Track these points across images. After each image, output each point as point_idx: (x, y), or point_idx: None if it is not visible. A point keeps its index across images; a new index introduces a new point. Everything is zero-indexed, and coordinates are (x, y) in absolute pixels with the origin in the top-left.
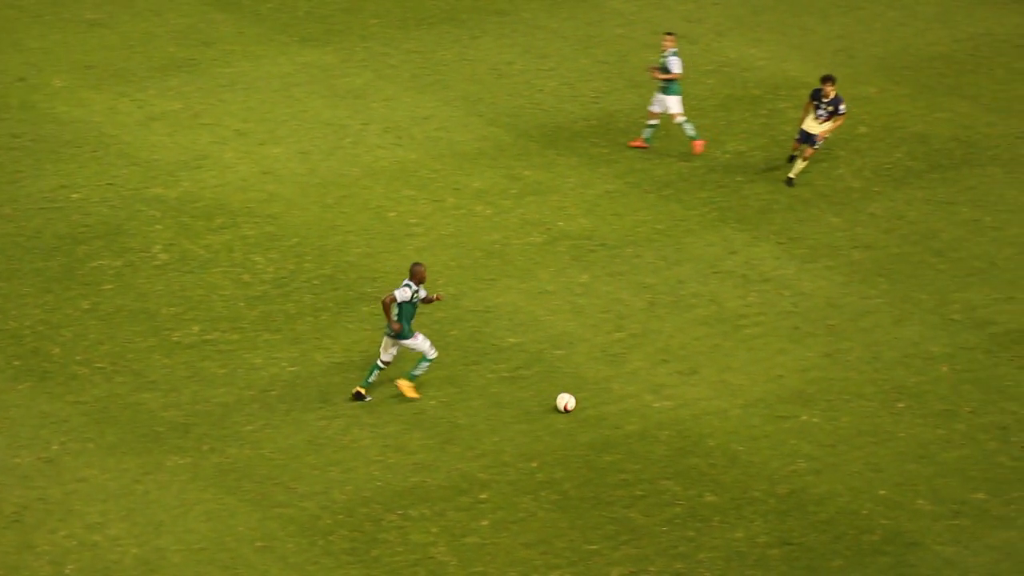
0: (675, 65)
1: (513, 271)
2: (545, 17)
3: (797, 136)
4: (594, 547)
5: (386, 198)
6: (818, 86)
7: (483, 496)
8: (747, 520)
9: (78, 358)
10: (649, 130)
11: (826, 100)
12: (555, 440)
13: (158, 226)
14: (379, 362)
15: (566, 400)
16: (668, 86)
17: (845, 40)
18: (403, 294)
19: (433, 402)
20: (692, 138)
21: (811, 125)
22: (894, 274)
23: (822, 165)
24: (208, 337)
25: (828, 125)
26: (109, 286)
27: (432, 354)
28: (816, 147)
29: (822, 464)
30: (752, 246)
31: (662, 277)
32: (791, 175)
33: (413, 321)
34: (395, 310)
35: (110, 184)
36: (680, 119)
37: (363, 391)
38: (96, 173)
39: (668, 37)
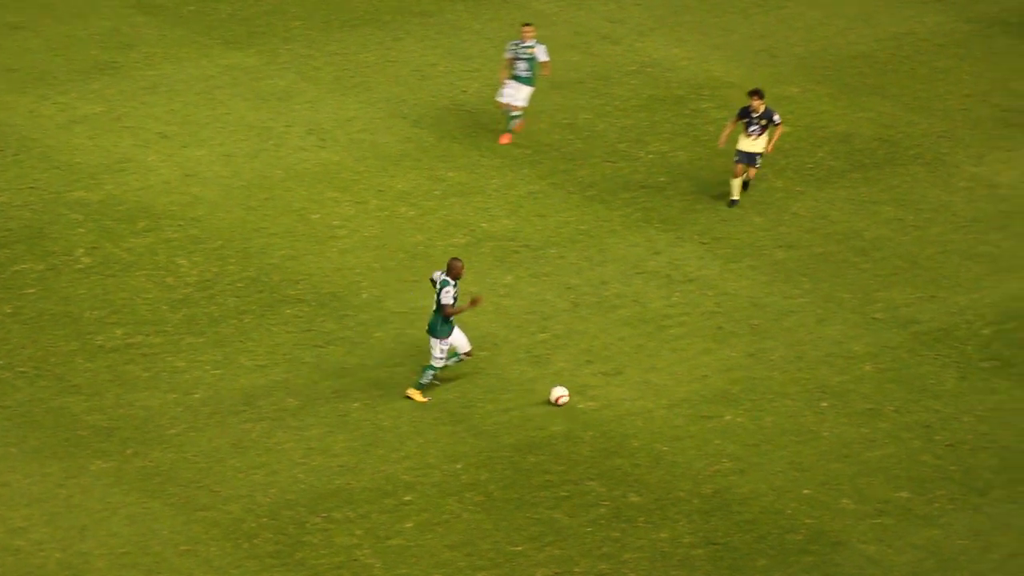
0: (543, 53)
1: None
2: (468, 19)
3: (736, 158)
4: (519, 548)
5: (310, 200)
6: (746, 103)
7: (407, 498)
8: (672, 520)
9: (0, 362)
10: (514, 120)
11: (756, 115)
12: (479, 441)
13: (81, 229)
14: (460, 355)
15: (559, 395)
16: (528, 77)
17: (767, 40)
18: (448, 296)
19: (357, 404)
20: (508, 131)
21: (747, 144)
22: (817, 273)
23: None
24: (131, 341)
25: (764, 139)
26: (31, 290)
27: (439, 364)
28: (757, 166)
29: (746, 464)
30: (675, 246)
31: (586, 278)
32: (734, 196)
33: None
34: (459, 303)
35: (32, 187)
36: (517, 113)
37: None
38: (18, 176)
39: (528, 27)
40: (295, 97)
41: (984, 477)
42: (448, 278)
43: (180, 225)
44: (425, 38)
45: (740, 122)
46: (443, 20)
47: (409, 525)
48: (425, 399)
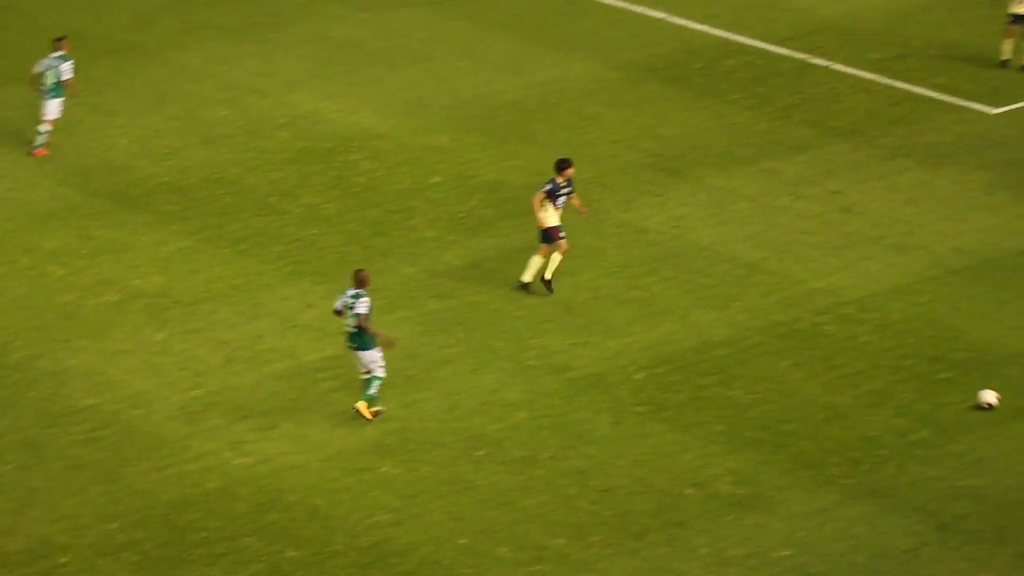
0: (68, 71)
1: (88, 331)
2: (114, 75)
3: (556, 235)
4: None
5: None
6: (552, 176)
7: (63, 560)
8: (329, 574)
9: None
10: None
11: (565, 185)
12: (135, 500)
13: None
14: (364, 376)
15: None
16: (55, 90)
17: (416, 91)
18: (364, 306)
19: (9, 466)
20: (39, 146)
21: (555, 217)
22: (470, 322)
23: (396, 216)
24: None
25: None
26: None
27: (381, 373)
28: (563, 235)
29: (403, 515)
30: (329, 299)
31: (239, 333)
32: (546, 277)
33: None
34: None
35: None
36: (47, 127)
37: (379, 409)
38: None
39: (62, 41)
40: None
41: (640, 521)
42: (361, 290)
43: None
44: (70, 95)
45: (547, 196)
46: (88, 77)
47: None
48: (375, 410)
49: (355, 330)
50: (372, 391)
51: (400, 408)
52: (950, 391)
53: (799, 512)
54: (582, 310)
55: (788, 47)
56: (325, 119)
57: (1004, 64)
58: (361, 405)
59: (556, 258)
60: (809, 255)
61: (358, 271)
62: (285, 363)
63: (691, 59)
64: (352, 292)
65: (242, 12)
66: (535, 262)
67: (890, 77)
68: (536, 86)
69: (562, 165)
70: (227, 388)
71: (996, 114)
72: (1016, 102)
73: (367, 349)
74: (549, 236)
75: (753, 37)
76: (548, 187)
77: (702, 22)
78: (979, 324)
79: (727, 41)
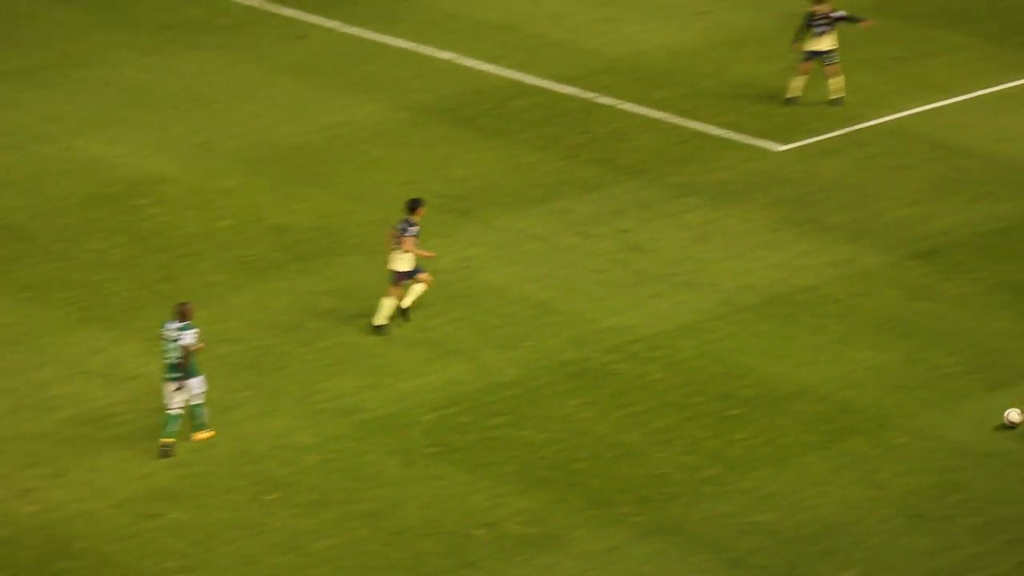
0: None
1: None
2: None
3: (406, 278)
4: None
5: None
6: (404, 216)
7: None
8: None
9: None
10: None
11: (415, 225)
12: None
13: None
14: (174, 412)
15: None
16: None
17: (203, 134)
18: (193, 337)
19: None
20: None
21: (407, 262)
22: (260, 367)
23: (184, 260)
24: None
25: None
26: None
27: (203, 398)
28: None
29: (194, 561)
30: (118, 344)
31: (25, 380)
32: (380, 322)
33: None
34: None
35: None
36: None
37: (170, 442)
38: None
39: None
40: None
41: (431, 562)
42: (187, 322)
43: None
44: None
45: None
46: None
47: None
48: (212, 432)
49: (179, 360)
50: (204, 417)
51: (190, 453)
52: (739, 427)
53: (590, 551)
54: (372, 352)
55: (576, 86)
56: (111, 164)
57: (790, 102)
58: (199, 435)
59: (390, 304)
60: (599, 294)
61: (181, 304)
62: (73, 409)
63: (479, 100)
64: (177, 325)
65: (28, 57)
66: (416, 289)
67: (677, 115)
68: (324, 128)
69: (414, 205)
70: (13, 436)
71: (782, 151)
72: (801, 139)
73: (193, 376)
74: (404, 277)
75: (541, 77)
76: (413, 229)
77: (490, 62)
78: (767, 360)
79: (515, 82)
